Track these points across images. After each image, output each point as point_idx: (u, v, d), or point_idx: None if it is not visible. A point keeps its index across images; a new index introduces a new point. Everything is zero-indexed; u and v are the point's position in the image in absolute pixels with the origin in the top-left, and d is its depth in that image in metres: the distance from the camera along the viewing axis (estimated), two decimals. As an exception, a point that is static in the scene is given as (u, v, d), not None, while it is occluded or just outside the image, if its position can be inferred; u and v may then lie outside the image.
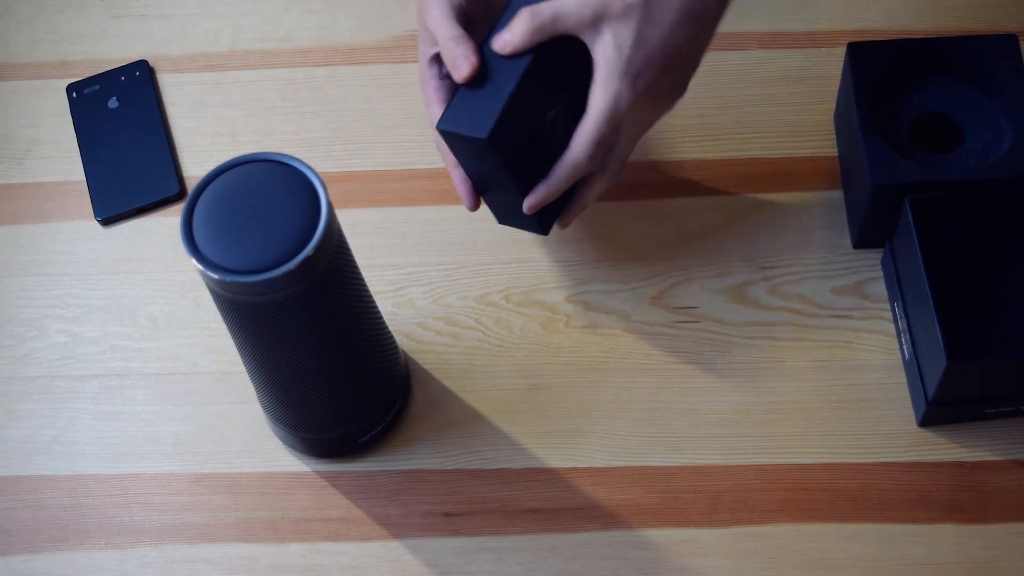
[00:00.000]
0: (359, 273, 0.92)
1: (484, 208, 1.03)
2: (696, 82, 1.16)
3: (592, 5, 0.91)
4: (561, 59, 0.94)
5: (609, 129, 0.93)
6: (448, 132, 0.93)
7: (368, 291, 0.94)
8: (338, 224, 0.86)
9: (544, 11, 0.91)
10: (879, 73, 1.03)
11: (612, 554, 0.97)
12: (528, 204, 0.96)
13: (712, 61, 1.15)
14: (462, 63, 0.92)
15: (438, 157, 1.06)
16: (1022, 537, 0.96)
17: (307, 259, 0.82)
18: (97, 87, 1.17)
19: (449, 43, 0.93)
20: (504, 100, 0.92)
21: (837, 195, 1.09)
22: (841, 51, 1.09)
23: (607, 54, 0.91)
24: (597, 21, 0.91)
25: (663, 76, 0.93)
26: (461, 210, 1.09)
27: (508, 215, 1.01)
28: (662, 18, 0.90)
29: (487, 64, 0.93)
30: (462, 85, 0.93)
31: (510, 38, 0.92)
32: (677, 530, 0.98)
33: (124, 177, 1.13)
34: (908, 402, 1.01)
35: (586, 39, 0.92)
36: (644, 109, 0.94)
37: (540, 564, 0.97)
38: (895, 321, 1.03)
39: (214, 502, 1.01)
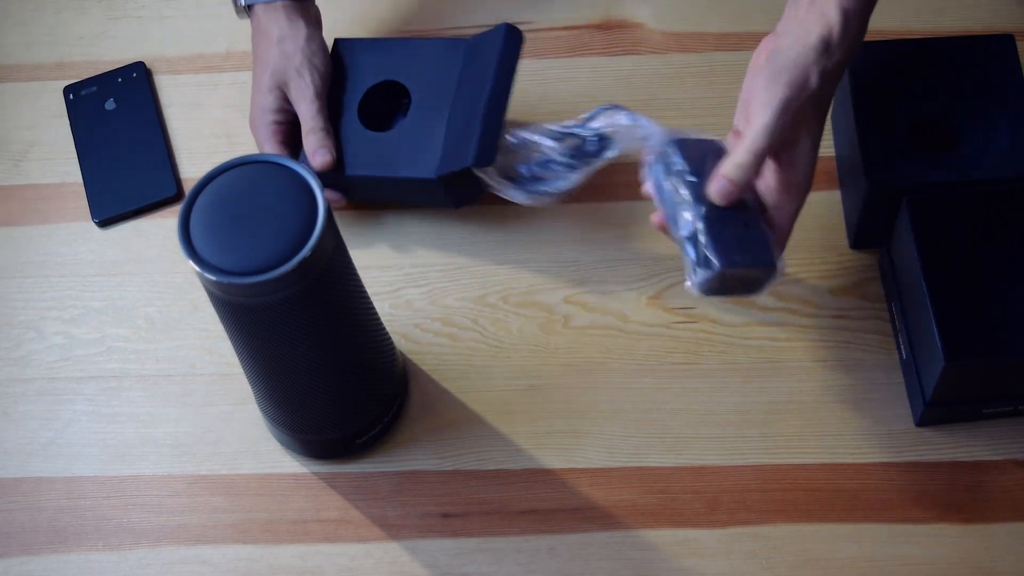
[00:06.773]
0: (356, 274, 0.92)
1: (482, 211, 1.03)
2: (695, 82, 1.16)
3: None
4: None
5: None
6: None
7: (365, 292, 0.94)
8: (335, 225, 0.86)
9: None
10: (876, 73, 1.03)
11: (610, 555, 0.97)
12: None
13: (711, 61, 1.15)
14: (324, 154, 1.05)
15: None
16: (1020, 536, 0.96)
17: (304, 260, 0.82)
18: (94, 89, 1.17)
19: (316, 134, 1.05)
20: None
21: (835, 195, 1.09)
22: (838, 51, 1.08)
23: None
24: None
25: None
26: (458, 211, 1.09)
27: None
28: None
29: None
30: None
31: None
32: (675, 531, 0.98)
33: (121, 179, 1.13)
34: (906, 402, 1.01)
35: None
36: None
37: (538, 565, 0.97)
38: (893, 321, 1.03)
39: (212, 504, 1.01)
